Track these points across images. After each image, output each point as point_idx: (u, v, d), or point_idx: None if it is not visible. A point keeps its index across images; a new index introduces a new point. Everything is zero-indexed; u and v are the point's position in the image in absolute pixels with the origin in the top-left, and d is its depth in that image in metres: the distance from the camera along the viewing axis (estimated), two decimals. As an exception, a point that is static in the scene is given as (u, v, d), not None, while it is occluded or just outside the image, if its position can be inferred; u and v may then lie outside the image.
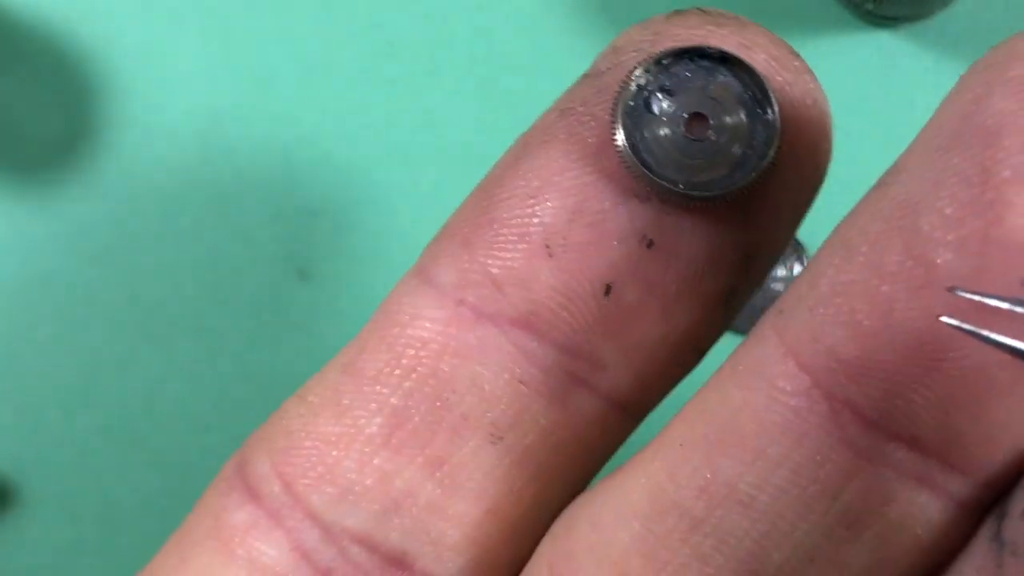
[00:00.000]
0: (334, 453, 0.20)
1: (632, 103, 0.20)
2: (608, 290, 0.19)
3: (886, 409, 0.17)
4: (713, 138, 0.20)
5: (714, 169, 0.20)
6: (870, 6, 0.52)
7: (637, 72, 0.19)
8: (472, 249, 0.20)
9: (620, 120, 0.19)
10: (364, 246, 0.53)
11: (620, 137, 0.19)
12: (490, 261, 0.19)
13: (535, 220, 0.19)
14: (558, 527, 0.20)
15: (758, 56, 0.19)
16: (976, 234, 0.16)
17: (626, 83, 0.19)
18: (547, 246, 0.19)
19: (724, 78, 0.20)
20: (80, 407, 0.53)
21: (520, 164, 0.19)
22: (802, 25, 0.53)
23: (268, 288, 0.53)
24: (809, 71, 0.20)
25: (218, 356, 0.53)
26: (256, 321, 0.53)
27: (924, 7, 0.52)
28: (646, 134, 0.20)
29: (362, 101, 0.53)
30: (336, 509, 0.20)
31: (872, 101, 0.53)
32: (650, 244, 0.19)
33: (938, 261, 0.16)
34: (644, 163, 0.19)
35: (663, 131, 0.20)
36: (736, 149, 0.19)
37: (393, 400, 0.20)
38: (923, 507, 0.18)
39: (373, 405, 0.20)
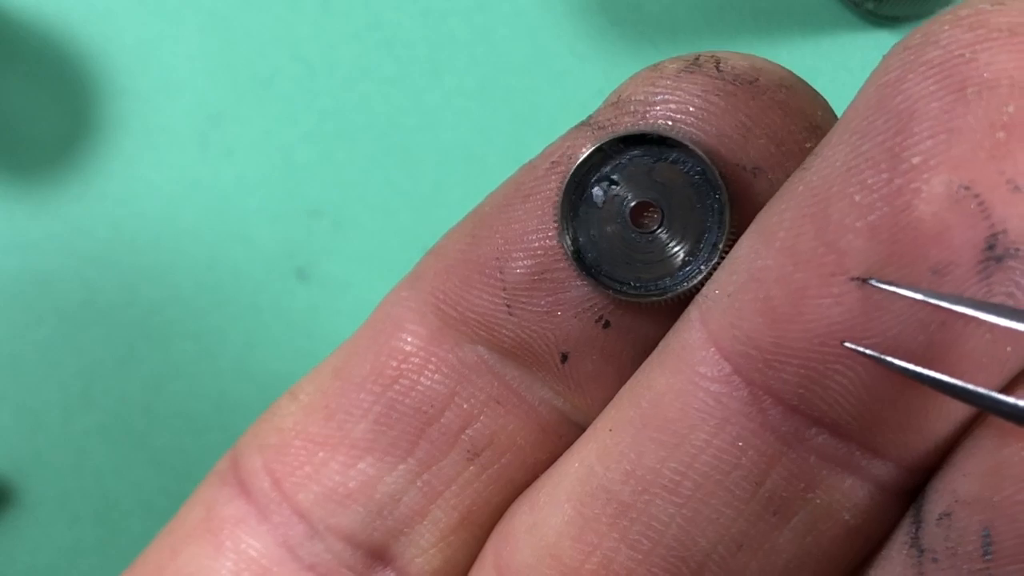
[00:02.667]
0: (321, 454, 0.21)
1: (577, 199, 0.19)
2: (564, 358, 0.19)
3: (804, 395, 0.17)
4: (662, 230, 0.19)
5: (666, 261, 0.19)
6: (870, 6, 0.52)
7: (581, 160, 0.19)
8: (449, 280, 0.20)
9: (564, 223, 0.19)
10: (363, 246, 0.53)
11: (565, 241, 0.19)
12: (461, 299, 0.20)
13: (499, 275, 0.19)
14: (508, 511, 0.21)
15: (758, 141, 0.18)
16: (885, 221, 0.16)
17: (570, 177, 0.19)
18: (508, 305, 0.19)
19: (671, 161, 0.19)
20: (80, 407, 0.53)
21: (504, 212, 0.20)
22: (802, 25, 0.53)
23: (268, 288, 0.53)
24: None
25: (218, 356, 0.53)
26: (256, 321, 0.53)
27: (924, 7, 0.52)
28: (592, 231, 0.19)
29: (362, 101, 0.53)
30: (322, 508, 0.21)
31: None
32: (606, 324, 0.19)
33: (848, 248, 0.16)
34: (588, 266, 0.19)
35: (609, 227, 0.19)
36: (688, 238, 0.19)
37: (377, 408, 0.20)
38: (848, 492, 0.18)
39: (358, 411, 0.21)
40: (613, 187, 0.19)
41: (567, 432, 0.21)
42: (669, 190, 0.19)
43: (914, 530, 0.17)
